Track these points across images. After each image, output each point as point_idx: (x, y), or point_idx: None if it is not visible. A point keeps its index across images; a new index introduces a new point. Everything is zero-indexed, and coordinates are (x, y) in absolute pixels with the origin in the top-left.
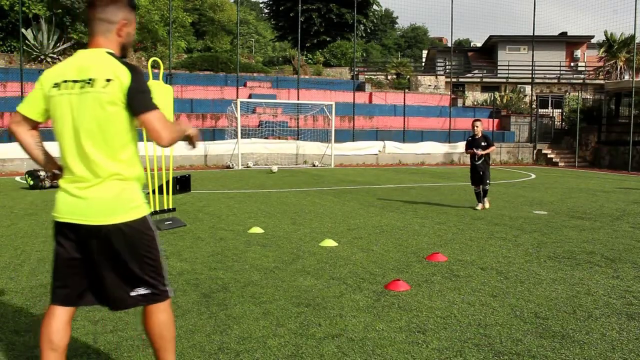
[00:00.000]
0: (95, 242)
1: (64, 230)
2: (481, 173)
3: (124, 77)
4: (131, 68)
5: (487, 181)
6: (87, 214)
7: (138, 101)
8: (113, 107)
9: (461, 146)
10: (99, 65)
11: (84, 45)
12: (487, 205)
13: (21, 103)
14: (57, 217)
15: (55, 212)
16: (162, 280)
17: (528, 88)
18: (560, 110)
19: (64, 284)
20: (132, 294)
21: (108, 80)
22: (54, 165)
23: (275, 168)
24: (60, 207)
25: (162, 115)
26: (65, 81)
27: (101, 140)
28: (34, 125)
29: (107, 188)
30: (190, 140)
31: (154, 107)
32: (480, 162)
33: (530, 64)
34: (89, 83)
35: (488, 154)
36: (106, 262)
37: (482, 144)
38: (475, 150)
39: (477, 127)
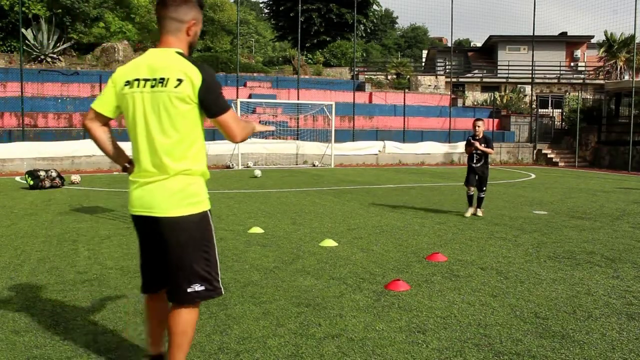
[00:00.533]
0: (160, 233)
1: (138, 222)
2: (478, 175)
3: (195, 77)
4: (201, 68)
5: (484, 187)
6: (154, 206)
7: (212, 102)
8: (184, 105)
9: (461, 146)
10: (170, 66)
11: (84, 45)
12: (480, 213)
13: (95, 100)
14: (130, 210)
15: (129, 205)
16: (216, 277)
17: (528, 88)
18: (560, 110)
19: (146, 272)
20: (189, 290)
21: (179, 80)
22: (125, 159)
23: (258, 172)
24: (132, 201)
25: (235, 114)
26: (137, 80)
27: (171, 137)
28: (106, 121)
29: (174, 182)
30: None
31: (227, 107)
32: (479, 164)
33: (530, 64)
34: (161, 82)
35: (487, 158)
36: (164, 252)
37: (482, 145)
38: (473, 141)
39: (478, 127)
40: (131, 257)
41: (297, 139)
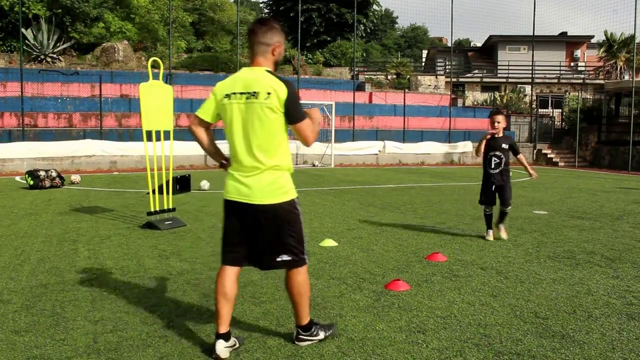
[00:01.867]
0: (253, 216)
1: (231, 207)
2: (497, 186)
3: (281, 91)
4: (287, 84)
5: (509, 200)
6: (250, 195)
7: (293, 112)
8: (272, 114)
9: (461, 146)
10: (261, 82)
11: (84, 45)
12: (504, 234)
13: (198, 109)
14: (226, 196)
15: (226, 192)
16: (302, 250)
17: (528, 88)
18: (560, 110)
19: (231, 249)
20: (278, 259)
21: (269, 94)
22: (222, 157)
23: (205, 185)
24: (229, 189)
25: (310, 122)
26: (234, 93)
27: (263, 139)
28: (207, 126)
29: (266, 176)
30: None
31: (304, 117)
32: (497, 170)
33: (530, 64)
34: (253, 95)
35: (508, 162)
36: (260, 232)
37: (503, 145)
38: (491, 132)
39: (498, 122)
40: (131, 257)
41: (297, 139)
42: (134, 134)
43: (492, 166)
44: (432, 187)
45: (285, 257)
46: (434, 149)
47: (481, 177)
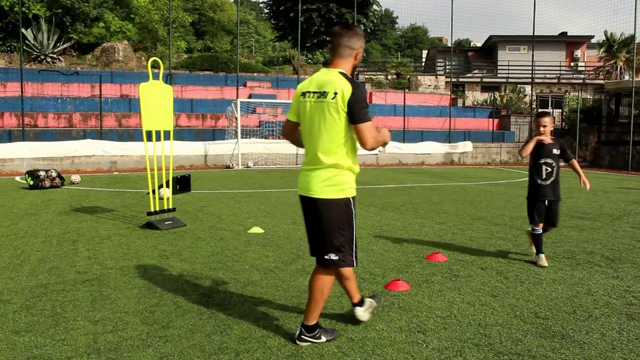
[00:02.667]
0: (313, 209)
1: (300, 201)
2: (549, 200)
3: (346, 91)
4: (354, 85)
5: (558, 221)
6: (309, 189)
7: (356, 113)
8: (336, 113)
9: (461, 146)
10: (332, 82)
11: (84, 45)
12: (544, 261)
13: (288, 112)
14: (298, 190)
15: (297, 186)
16: (351, 252)
17: (528, 88)
18: (560, 110)
19: (309, 239)
20: (326, 257)
21: (335, 94)
22: None
23: (168, 194)
24: (298, 183)
25: (372, 126)
26: (309, 92)
27: (326, 137)
28: (295, 126)
29: (325, 172)
30: (383, 145)
31: (367, 119)
32: (548, 180)
33: (530, 64)
34: (323, 95)
35: (559, 170)
36: (314, 225)
37: (554, 151)
38: (541, 137)
39: (544, 126)
40: (131, 257)
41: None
42: (134, 134)
43: (543, 176)
44: (432, 187)
45: (333, 256)
46: (434, 149)
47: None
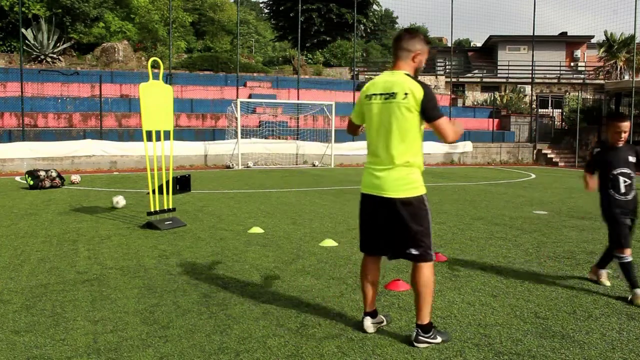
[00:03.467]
0: (386, 209)
1: (366, 200)
2: (633, 221)
3: (417, 92)
4: (423, 85)
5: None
6: (383, 188)
7: (431, 110)
8: (408, 113)
9: (461, 146)
10: (399, 83)
11: (84, 45)
12: (605, 280)
13: (351, 114)
14: (362, 190)
15: (362, 186)
16: (430, 246)
17: (528, 88)
18: (560, 110)
19: (367, 239)
20: (407, 251)
21: (406, 94)
22: None
23: (120, 203)
24: (365, 183)
25: (447, 120)
26: (374, 94)
27: (398, 137)
28: (359, 127)
29: (398, 171)
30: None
31: (441, 115)
32: (631, 194)
33: (530, 64)
34: (392, 96)
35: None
36: (392, 224)
37: (630, 158)
38: (619, 142)
39: (625, 132)
40: (131, 257)
41: (297, 139)
42: (134, 134)
43: (622, 190)
44: (432, 187)
45: (414, 251)
46: (434, 149)
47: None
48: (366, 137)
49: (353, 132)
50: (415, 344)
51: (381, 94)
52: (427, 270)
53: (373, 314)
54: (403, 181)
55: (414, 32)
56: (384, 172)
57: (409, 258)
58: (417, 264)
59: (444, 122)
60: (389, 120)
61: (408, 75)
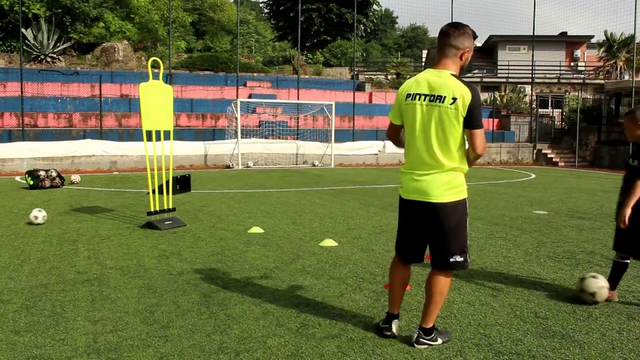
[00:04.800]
0: (430, 214)
1: (408, 205)
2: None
3: (466, 96)
4: (472, 89)
5: None
6: (427, 193)
7: (475, 118)
8: (455, 118)
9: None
10: (448, 86)
11: (84, 45)
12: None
13: (390, 116)
14: (403, 195)
15: (403, 192)
16: (467, 251)
17: (528, 88)
18: (560, 110)
19: (403, 245)
20: (451, 259)
21: (454, 99)
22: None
23: (38, 218)
24: (407, 189)
25: (483, 133)
26: (418, 94)
27: (443, 141)
28: (400, 128)
29: (444, 176)
30: None
31: (481, 125)
32: None
33: (530, 64)
34: (439, 99)
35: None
36: (435, 230)
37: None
38: None
39: None
40: (131, 257)
41: (297, 139)
42: (134, 134)
43: None
44: None
45: (459, 258)
46: None
47: None
48: (405, 139)
49: (395, 137)
50: (416, 345)
51: (426, 95)
52: (448, 277)
53: (399, 317)
54: (449, 185)
55: (462, 27)
56: (429, 176)
57: (455, 266)
58: (440, 270)
59: (481, 134)
60: (434, 125)
61: (455, 76)
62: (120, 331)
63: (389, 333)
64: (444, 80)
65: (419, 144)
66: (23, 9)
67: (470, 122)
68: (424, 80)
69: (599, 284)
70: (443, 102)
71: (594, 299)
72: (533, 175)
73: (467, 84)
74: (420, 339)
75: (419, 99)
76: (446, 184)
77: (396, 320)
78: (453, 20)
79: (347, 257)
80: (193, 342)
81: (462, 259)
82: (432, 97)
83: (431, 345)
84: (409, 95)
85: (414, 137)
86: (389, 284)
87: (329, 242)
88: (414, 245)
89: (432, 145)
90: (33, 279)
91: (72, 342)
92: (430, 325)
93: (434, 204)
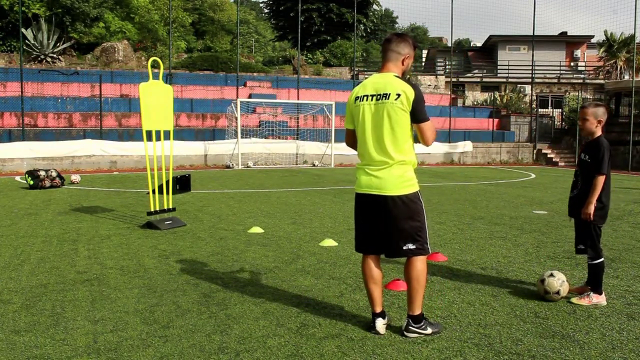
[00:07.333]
0: (384, 207)
1: (363, 199)
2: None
3: (409, 93)
4: (414, 87)
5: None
6: (381, 187)
7: (419, 112)
8: (401, 112)
9: (461, 146)
10: (391, 84)
11: (84, 45)
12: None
13: (345, 123)
14: (358, 190)
15: (357, 186)
16: (425, 239)
17: (528, 88)
18: (560, 110)
19: (364, 239)
20: (404, 247)
21: (398, 95)
22: None
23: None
24: (361, 183)
25: (431, 125)
26: (365, 96)
27: (392, 136)
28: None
29: (395, 170)
30: None
31: (427, 118)
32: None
33: (530, 64)
34: (384, 97)
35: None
36: (388, 222)
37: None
38: None
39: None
40: (131, 257)
41: (297, 139)
42: (134, 134)
43: None
44: (432, 187)
45: (411, 246)
46: (434, 149)
47: None
48: (357, 139)
49: (353, 141)
50: (406, 334)
51: (372, 96)
52: (420, 263)
53: (383, 315)
54: (402, 179)
55: (403, 35)
56: (382, 171)
57: (406, 254)
58: (411, 258)
59: (428, 126)
60: (383, 121)
61: (397, 77)
62: (120, 331)
63: (374, 332)
64: (388, 80)
65: (370, 141)
66: (23, 8)
67: (416, 116)
68: (369, 84)
69: (560, 280)
70: (388, 98)
71: (560, 296)
72: (533, 175)
73: (409, 82)
74: (410, 327)
75: (366, 100)
76: (398, 178)
77: (380, 318)
78: (452, 21)
79: (347, 257)
80: (193, 342)
81: (414, 246)
82: (379, 96)
83: (421, 334)
84: (357, 98)
85: (365, 135)
86: (365, 283)
87: (329, 242)
88: (371, 237)
89: (383, 141)
90: (33, 278)
91: (72, 342)
92: (416, 312)
93: (387, 197)
